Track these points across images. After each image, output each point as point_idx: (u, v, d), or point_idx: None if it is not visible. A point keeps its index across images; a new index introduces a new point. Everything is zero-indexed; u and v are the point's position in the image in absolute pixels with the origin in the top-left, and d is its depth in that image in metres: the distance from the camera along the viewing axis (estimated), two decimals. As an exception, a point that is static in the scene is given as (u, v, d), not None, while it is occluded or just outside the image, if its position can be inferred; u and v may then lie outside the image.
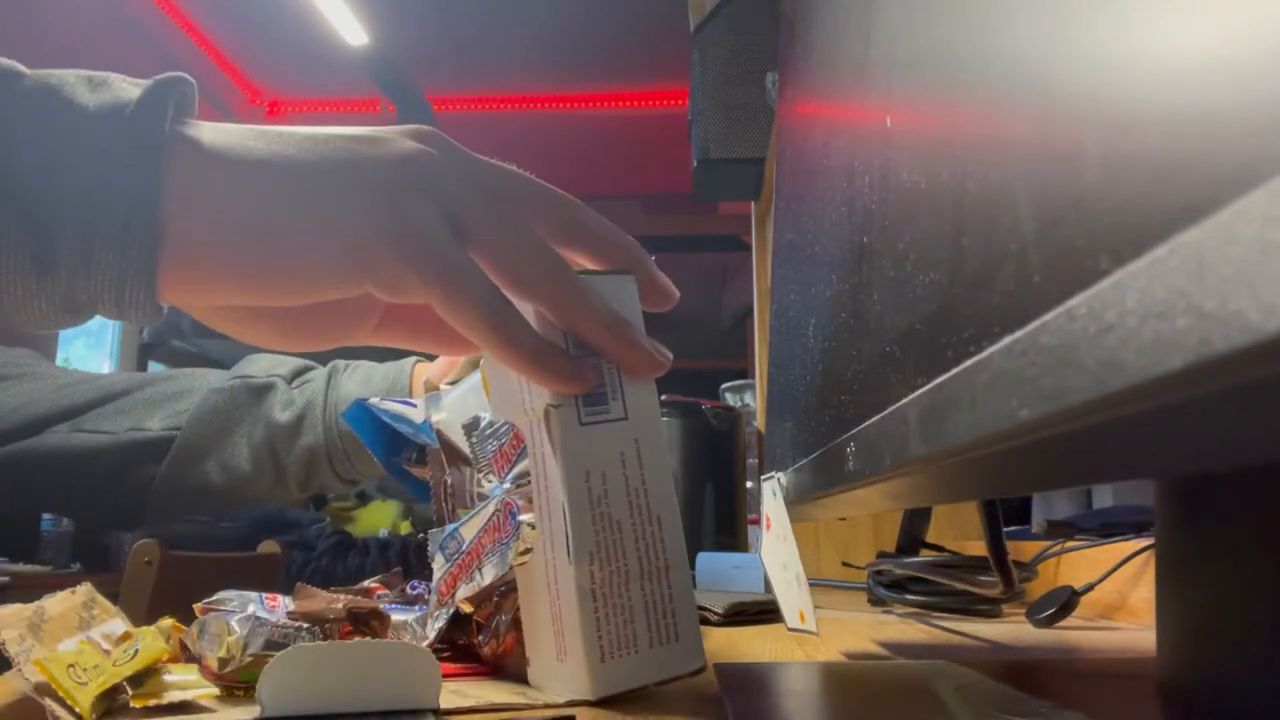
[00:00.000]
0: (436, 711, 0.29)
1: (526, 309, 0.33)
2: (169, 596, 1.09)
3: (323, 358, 0.79)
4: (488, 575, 0.34)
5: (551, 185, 0.36)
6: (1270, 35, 0.09)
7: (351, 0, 3.55)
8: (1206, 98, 0.10)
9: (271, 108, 4.45)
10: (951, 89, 0.20)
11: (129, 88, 0.32)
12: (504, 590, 0.38)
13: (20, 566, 1.93)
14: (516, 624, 0.37)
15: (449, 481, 0.45)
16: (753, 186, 1.51)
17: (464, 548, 0.36)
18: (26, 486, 0.76)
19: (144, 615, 0.37)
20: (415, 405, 0.49)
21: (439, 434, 0.46)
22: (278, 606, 0.36)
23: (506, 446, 0.36)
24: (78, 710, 0.27)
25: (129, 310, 0.31)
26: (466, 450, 0.40)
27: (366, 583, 0.46)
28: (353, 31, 3.71)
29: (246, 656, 0.31)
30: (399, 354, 0.69)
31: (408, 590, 0.46)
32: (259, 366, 0.80)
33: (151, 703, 0.29)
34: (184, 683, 0.32)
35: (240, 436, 0.76)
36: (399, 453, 0.50)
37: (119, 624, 0.34)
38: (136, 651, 0.30)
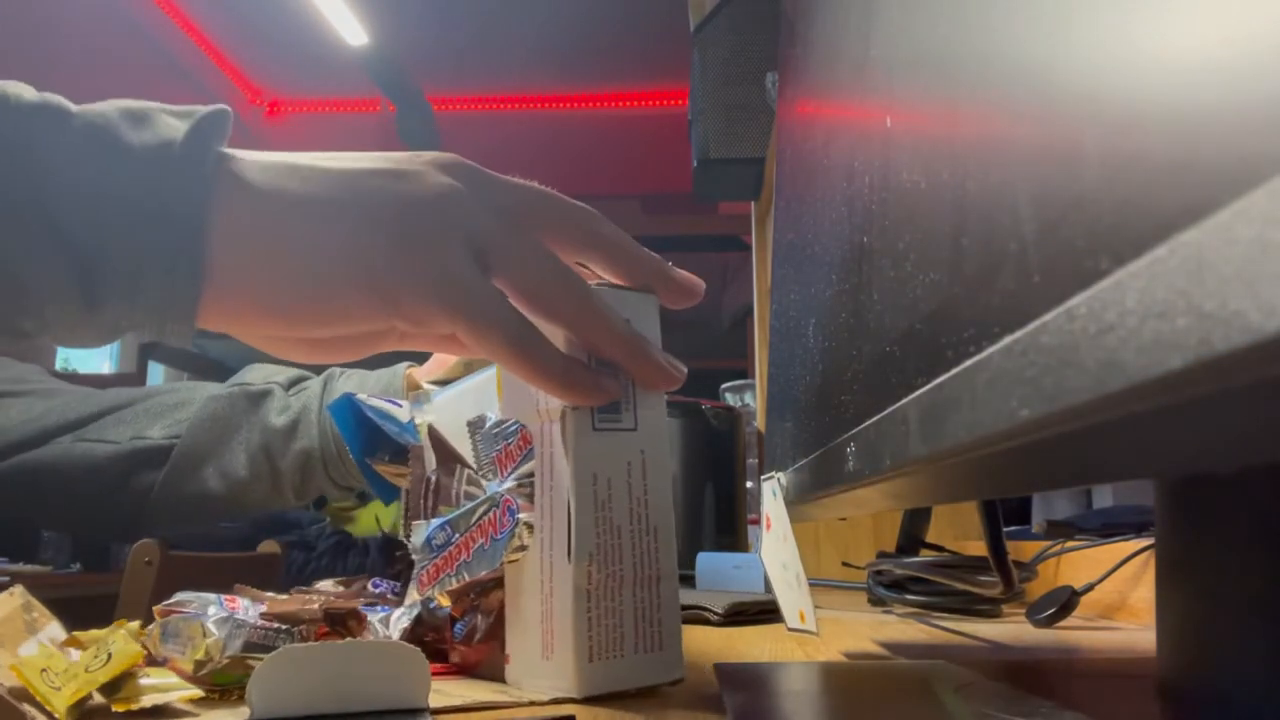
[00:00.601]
0: (429, 711, 0.29)
1: (551, 329, 0.34)
2: (169, 597, 1.08)
3: (318, 368, 0.79)
4: (475, 570, 0.35)
5: (570, 198, 0.37)
6: (1270, 35, 0.09)
7: (351, 0, 3.55)
8: (1206, 98, 0.10)
9: (271, 108, 4.45)
10: (951, 89, 0.20)
11: (172, 122, 0.33)
12: (480, 589, 0.38)
13: (20, 566, 1.92)
14: (494, 623, 0.37)
15: (433, 479, 0.45)
16: (753, 186, 1.51)
17: (452, 540, 0.36)
18: (31, 496, 0.77)
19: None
20: (400, 405, 0.50)
21: (431, 432, 0.46)
22: (236, 608, 0.36)
23: (513, 447, 0.36)
24: (56, 716, 0.27)
25: (166, 336, 0.34)
26: (461, 449, 0.40)
27: (321, 584, 0.46)
28: (353, 31, 3.71)
29: (224, 658, 0.31)
30: (390, 360, 0.70)
31: (370, 588, 0.46)
32: (258, 375, 0.81)
33: (134, 707, 0.29)
34: (161, 686, 0.32)
35: (238, 443, 0.77)
36: (375, 453, 0.50)
37: (57, 628, 0.34)
38: (110, 656, 0.30)
